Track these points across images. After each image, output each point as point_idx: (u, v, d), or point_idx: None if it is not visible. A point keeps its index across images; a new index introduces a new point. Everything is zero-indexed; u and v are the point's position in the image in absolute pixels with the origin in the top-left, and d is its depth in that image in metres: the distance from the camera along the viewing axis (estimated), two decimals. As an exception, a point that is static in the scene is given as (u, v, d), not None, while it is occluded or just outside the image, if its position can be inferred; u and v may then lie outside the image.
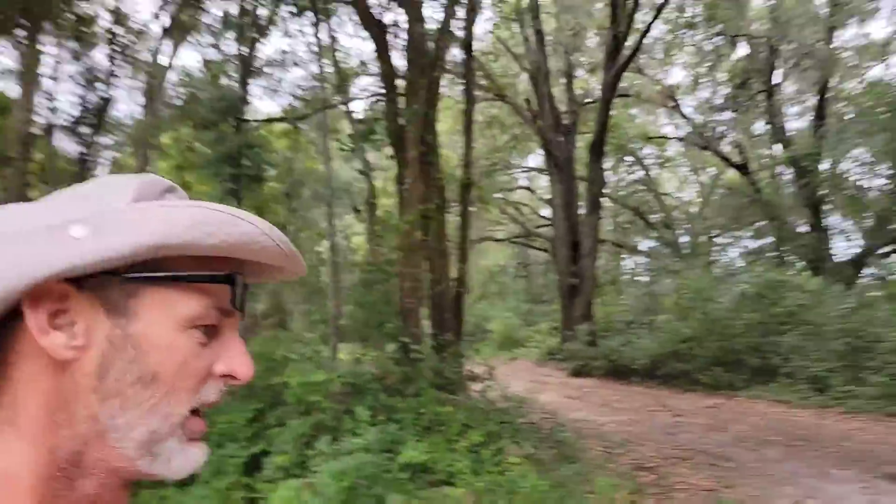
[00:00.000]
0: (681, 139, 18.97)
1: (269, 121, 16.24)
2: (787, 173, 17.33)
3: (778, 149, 17.64)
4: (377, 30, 6.53)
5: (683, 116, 18.24)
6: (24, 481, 0.49)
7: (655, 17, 14.52)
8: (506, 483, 4.69)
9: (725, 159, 18.17)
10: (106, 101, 14.81)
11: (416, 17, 6.69)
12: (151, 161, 18.56)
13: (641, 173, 19.93)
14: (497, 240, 23.45)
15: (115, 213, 0.51)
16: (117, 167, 22.96)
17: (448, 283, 9.48)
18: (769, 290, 11.78)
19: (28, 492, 0.49)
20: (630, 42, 14.40)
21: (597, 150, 14.67)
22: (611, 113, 15.23)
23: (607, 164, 20.64)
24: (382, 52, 6.67)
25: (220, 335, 0.57)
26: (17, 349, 0.52)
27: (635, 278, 17.67)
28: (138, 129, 17.29)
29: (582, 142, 17.29)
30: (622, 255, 21.31)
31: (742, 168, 17.95)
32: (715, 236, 19.22)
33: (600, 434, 7.37)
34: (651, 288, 15.10)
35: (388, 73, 6.62)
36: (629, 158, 19.61)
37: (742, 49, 17.75)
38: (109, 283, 0.52)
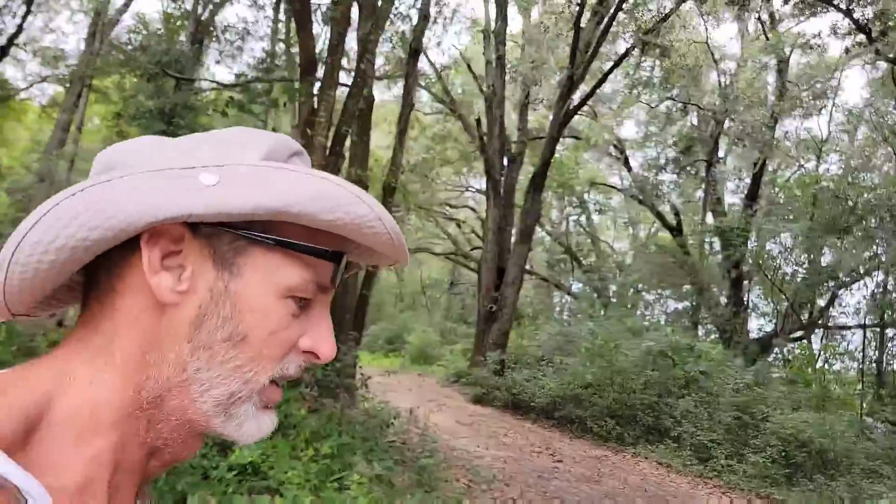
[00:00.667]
0: (621, 190, 19.24)
1: (215, 85, 15.48)
2: (716, 243, 17.79)
3: (710, 218, 18.10)
4: (299, 4, 6.12)
5: (628, 168, 18.54)
6: (109, 415, 0.50)
7: (612, 69, 14.76)
8: (338, 502, 4.27)
9: (661, 218, 18.52)
10: (27, 12, 13.66)
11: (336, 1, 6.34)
12: (86, 102, 17.47)
13: (582, 215, 20.12)
14: (434, 253, 23.18)
15: (245, 169, 0.51)
16: (50, 101, 21.57)
17: (354, 282, 9.05)
18: (674, 352, 11.85)
19: (110, 426, 0.50)
20: (587, 87, 14.57)
21: (537, 183, 14.61)
22: (560, 151, 15.26)
23: (553, 200, 20.81)
24: (302, 28, 6.27)
25: (310, 310, 0.56)
26: (127, 281, 0.52)
27: (558, 316, 17.57)
28: (80, 64, 16.24)
29: (527, 173, 17.31)
30: (551, 292, 21.34)
31: (675, 230, 18.33)
32: (640, 290, 19.51)
33: (473, 467, 7.04)
34: (568, 329, 14.99)
35: (306, 53, 6.20)
36: (573, 199, 19.76)
37: (692, 117, 18.27)
38: (222, 235, 0.52)
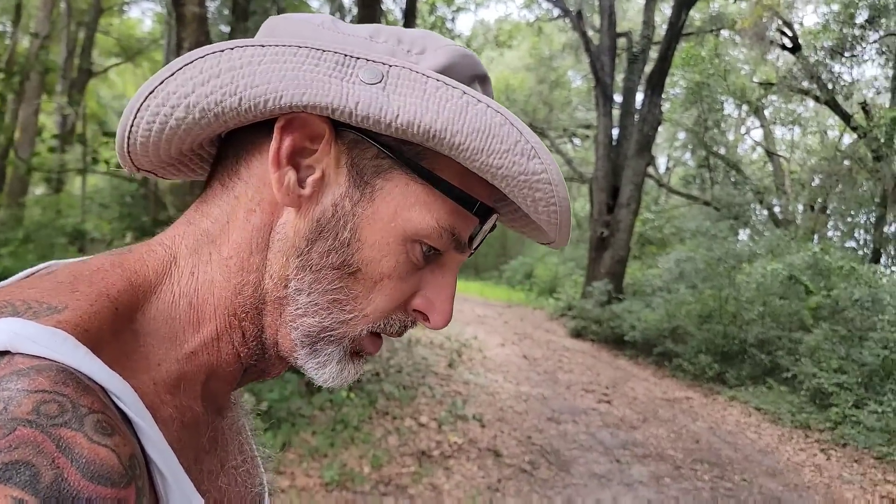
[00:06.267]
0: (777, 84, 15.38)
1: None
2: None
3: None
4: None
5: (793, 51, 14.66)
6: (208, 313, 0.45)
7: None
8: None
9: (840, 114, 14.65)
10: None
11: None
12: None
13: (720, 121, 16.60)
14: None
15: (414, 76, 0.43)
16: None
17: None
18: (819, 276, 9.30)
19: (208, 324, 0.45)
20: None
21: (654, 83, 12.30)
22: (682, 42, 12.60)
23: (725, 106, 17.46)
24: None
25: (436, 265, 0.48)
26: (253, 168, 0.46)
27: (695, 239, 14.77)
28: None
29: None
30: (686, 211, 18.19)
31: (862, 130, 14.38)
32: (812, 207, 15.85)
33: (478, 401, 6.06)
34: (692, 254, 12.62)
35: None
36: (719, 100, 16.43)
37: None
38: (367, 148, 0.45)
